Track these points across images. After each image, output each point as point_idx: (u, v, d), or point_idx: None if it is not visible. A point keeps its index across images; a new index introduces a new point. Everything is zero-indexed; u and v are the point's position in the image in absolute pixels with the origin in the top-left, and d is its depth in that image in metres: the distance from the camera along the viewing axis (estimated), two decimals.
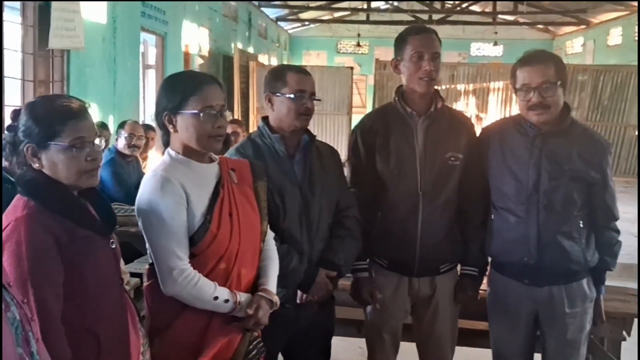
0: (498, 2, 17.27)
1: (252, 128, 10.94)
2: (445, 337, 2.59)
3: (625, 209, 4.09)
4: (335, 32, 22.63)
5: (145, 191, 1.87)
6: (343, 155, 2.59)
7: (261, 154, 2.28)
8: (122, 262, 1.95)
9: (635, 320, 3.04)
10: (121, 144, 4.63)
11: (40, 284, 1.54)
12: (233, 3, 14.55)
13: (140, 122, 6.09)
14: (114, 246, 1.76)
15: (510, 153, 2.43)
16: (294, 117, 2.27)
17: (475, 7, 19.05)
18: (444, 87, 12.74)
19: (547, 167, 2.36)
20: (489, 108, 13.03)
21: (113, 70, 7.40)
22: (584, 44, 19.91)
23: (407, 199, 2.46)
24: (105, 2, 7.05)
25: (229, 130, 4.45)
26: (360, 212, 2.43)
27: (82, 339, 1.62)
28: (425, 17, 17.89)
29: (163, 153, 1.99)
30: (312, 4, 19.21)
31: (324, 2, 19.00)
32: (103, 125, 5.27)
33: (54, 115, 1.65)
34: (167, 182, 1.84)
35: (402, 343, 2.65)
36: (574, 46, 21.07)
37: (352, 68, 13.69)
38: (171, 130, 1.93)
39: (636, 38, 15.17)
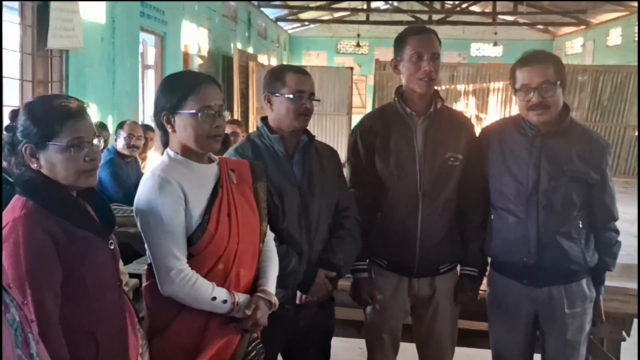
0: (498, 3, 17.27)
1: (252, 128, 10.92)
2: (445, 337, 2.59)
3: (624, 210, 4.10)
4: (335, 32, 22.59)
5: (143, 191, 1.87)
6: (343, 155, 2.58)
7: (260, 155, 2.28)
8: (121, 262, 1.95)
9: (635, 320, 3.04)
10: (120, 144, 4.62)
11: (38, 284, 1.53)
12: (232, 3, 14.53)
13: (140, 123, 6.08)
14: (112, 247, 1.76)
15: (510, 153, 2.43)
16: (293, 118, 2.27)
17: (475, 8, 19.04)
18: (443, 87, 12.77)
19: (547, 168, 2.36)
20: (488, 108, 13.05)
21: (112, 71, 7.38)
22: (583, 45, 19.90)
23: (407, 200, 2.46)
24: (104, 2, 7.03)
25: (228, 130, 4.46)
26: (359, 213, 2.43)
27: (80, 340, 1.61)
28: (425, 17, 17.88)
29: (162, 153, 1.99)
30: (312, 4, 19.19)
31: (324, 2, 18.98)
32: (102, 126, 5.26)
33: (52, 115, 1.64)
34: (165, 183, 1.84)
35: (402, 343, 2.65)
36: (573, 47, 21.06)
37: (351, 68, 13.68)
38: (169, 131, 1.93)
39: (636, 38, 15.18)
